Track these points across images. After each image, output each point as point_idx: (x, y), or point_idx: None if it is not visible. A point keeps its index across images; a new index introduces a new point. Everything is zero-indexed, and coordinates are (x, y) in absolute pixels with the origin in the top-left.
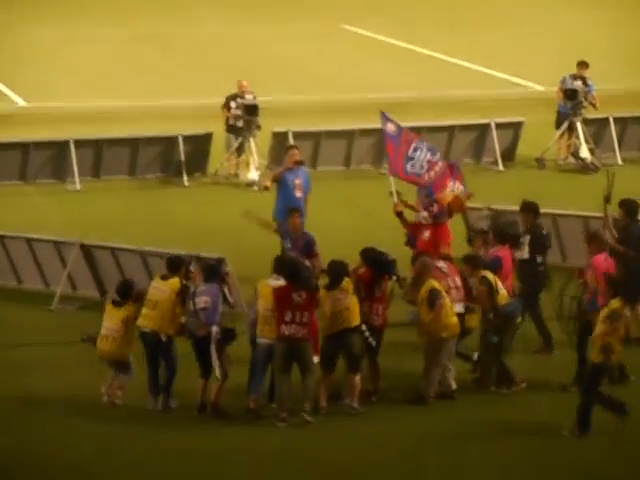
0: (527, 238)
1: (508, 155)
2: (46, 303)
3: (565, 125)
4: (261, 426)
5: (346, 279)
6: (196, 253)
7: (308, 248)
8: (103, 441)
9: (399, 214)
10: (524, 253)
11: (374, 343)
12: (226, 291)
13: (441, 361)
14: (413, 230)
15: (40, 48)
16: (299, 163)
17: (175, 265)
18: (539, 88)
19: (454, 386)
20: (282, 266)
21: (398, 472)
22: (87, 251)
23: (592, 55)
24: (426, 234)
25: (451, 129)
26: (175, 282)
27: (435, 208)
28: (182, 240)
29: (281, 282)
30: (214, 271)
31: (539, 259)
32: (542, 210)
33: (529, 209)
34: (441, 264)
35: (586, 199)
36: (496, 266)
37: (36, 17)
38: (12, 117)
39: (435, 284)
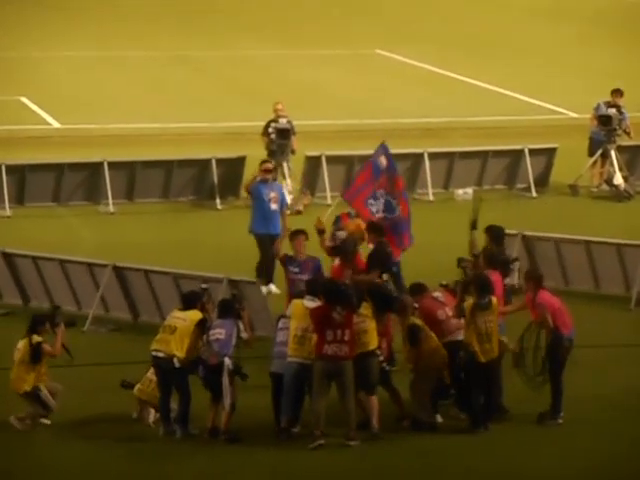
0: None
1: (541, 181)
2: (79, 325)
3: (599, 152)
4: (288, 449)
5: (364, 303)
6: (228, 276)
7: (316, 271)
8: (124, 464)
9: (320, 231)
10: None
11: (387, 367)
12: (240, 326)
13: (427, 390)
14: (328, 253)
15: (75, 70)
16: (267, 171)
17: (191, 301)
18: (573, 115)
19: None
20: (319, 286)
21: None
22: (120, 273)
23: (627, 83)
24: (336, 260)
25: (484, 155)
26: (196, 313)
27: (343, 234)
28: (214, 263)
29: (317, 303)
30: (228, 306)
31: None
32: (575, 236)
33: (374, 229)
34: (437, 293)
35: (619, 226)
36: None
37: (70, 38)
38: (47, 139)
39: (415, 320)
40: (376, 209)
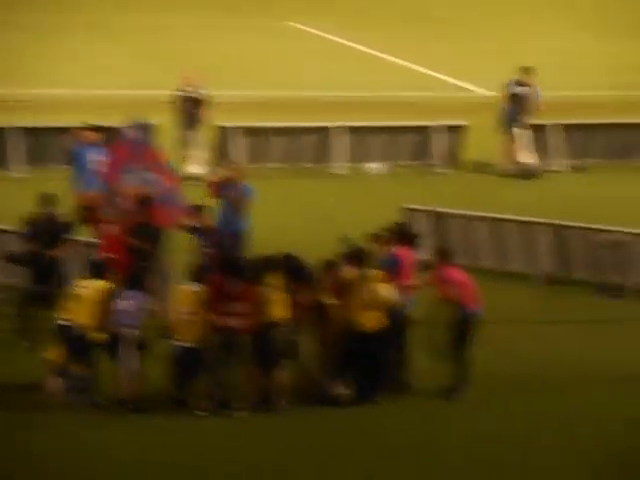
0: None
1: (452, 158)
2: None
3: (509, 130)
4: (188, 416)
5: (273, 274)
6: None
7: (222, 243)
8: (28, 433)
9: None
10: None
11: (295, 340)
12: (149, 298)
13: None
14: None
15: None
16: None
17: (98, 271)
18: (484, 92)
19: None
20: (217, 260)
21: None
22: None
23: (538, 61)
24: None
25: (397, 130)
26: (102, 283)
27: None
28: None
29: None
30: (137, 279)
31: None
32: (483, 213)
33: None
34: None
35: (526, 204)
36: (396, 264)
37: None
38: None
39: (322, 296)
40: (130, 183)
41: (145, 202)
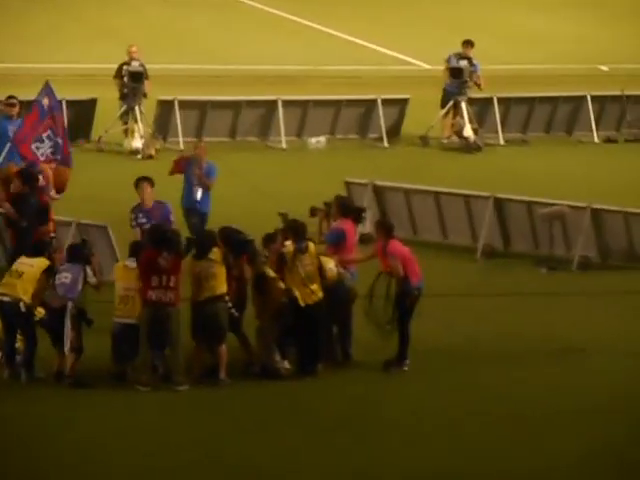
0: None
1: (393, 132)
2: None
3: (450, 104)
4: (128, 390)
5: (214, 249)
6: (78, 220)
7: (165, 218)
8: None
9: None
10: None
11: (237, 314)
12: (89, 272)
13: (274, 337)
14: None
15: None
16: (11, 106)
17: (39, 249)
18: (426, 66)
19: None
20: (148, 234)
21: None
22: None
23: (477, 34)
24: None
25: (338, 104)
26: (43, 260)
27: (41, 180)
28: (63, 207)
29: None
30: (78, 252)
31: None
32: (424, 187)
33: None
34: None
35: (468, 178)
36: (339, 238)
37: None
38: None
39: (264, 268)
40: (42, 152)
41: (26, 177)
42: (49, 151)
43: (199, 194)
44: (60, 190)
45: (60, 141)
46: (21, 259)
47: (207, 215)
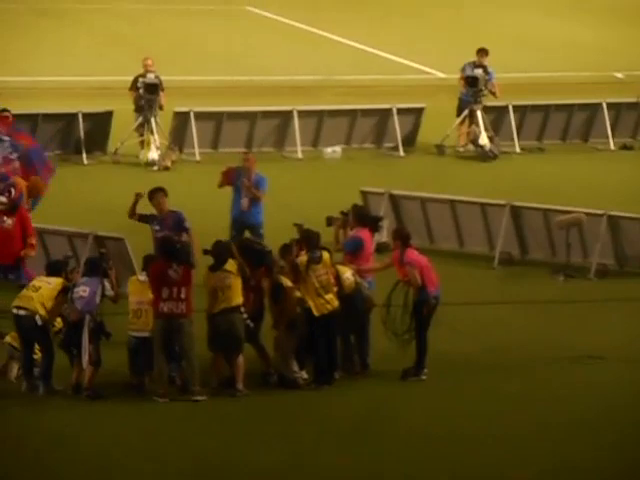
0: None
1: (409, 141)
2: None
3: (465, 112)
4: (146, 402)
5: (230, 260)
6: (95, 232)
7: (178, 226)
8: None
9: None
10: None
11: (252, 325)
12: (107, 285)
13: (291, 347)
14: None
15: None
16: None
17: (56, 269)
18: (441, 75)
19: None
20: (158, 246)
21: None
22: None
23: (492, 42)
24: (8, 221)
25: (353, 113)
26: (61, 280)
27: (14, 193)
28: (80, 219)
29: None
30: (95, 266)
31: None
32: (441, 195)
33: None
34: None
35: (484, 186)
36: (357, 247)
37: None
38: None
39: (281, 278)
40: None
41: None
42: (8, 151)
43: (246, 204)
44: (36, 197)
45: (12, 139)
46: (39, 277)
47: (260, 226)
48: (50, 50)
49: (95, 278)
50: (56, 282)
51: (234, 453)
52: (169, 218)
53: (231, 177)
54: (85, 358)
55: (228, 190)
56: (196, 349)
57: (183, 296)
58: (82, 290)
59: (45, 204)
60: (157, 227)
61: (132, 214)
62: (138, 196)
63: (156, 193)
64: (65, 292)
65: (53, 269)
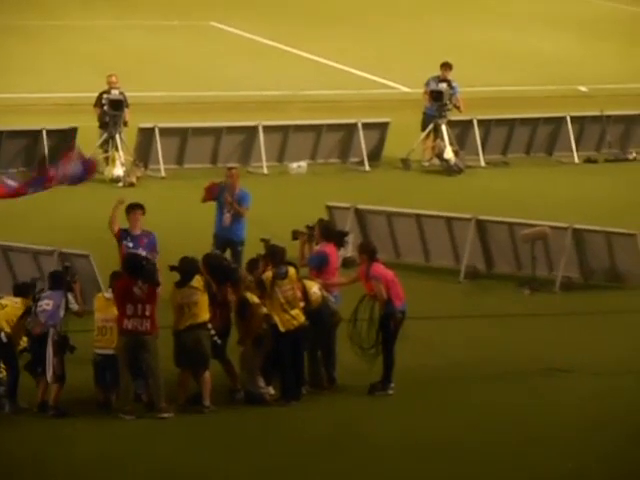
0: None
1: (374, 155)
2: None
3: (430, 127)
4: (112, 419)
5: (197, 276)
6: (59, 249)
7: (151, 247)
8: None
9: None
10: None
11: (219, 341)
12: (71, 298)
13: (257, 362)
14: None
15: None
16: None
17: (23, 291)
18: (406, 89)
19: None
20: (124, 263)
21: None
22: None
23: (456, 56)
24: None
25: (318, 128)
26: (26, 301)
27: None
28: (45, 236)
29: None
30: (59, 279)
31: None
32: (406, 210)
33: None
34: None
35: (449, 200)
36: (322, 262)
37: None
38: None
39: (247, 294)
40: None
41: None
42: None
43: (228, 220)
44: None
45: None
46: (5, 297)
47: (242, 242)
48: (14, 67)
49: (59, 291)
50: (22, 302)
51: (201, 470)
52: (144, 237)
53: (214, 192)
54: (50, 372)
55: (196, 206)
56: (162, 365)
57: (148, 313)
58: (45, 303)
59: (9, 221)
60: (130, 244)
61: (113, 223)
62: (119, 202)
63: (135, 209)
64: (29, 313)
65: (20, 290)
